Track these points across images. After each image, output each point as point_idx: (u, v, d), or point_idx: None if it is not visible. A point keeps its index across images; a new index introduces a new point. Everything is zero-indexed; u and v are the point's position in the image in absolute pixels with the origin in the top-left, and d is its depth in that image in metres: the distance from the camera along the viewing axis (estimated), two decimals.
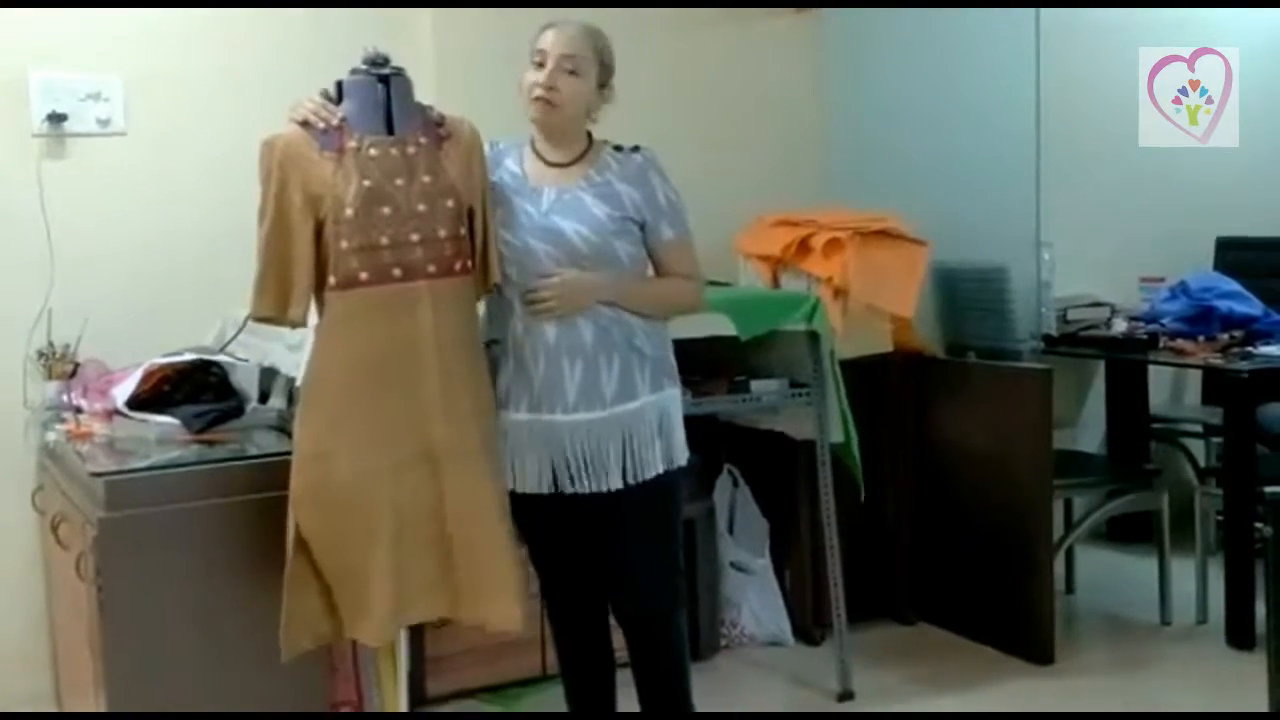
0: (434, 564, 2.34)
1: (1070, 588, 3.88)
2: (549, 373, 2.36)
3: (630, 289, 2.40)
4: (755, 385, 3.18)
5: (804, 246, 3.46)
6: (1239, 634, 3.40)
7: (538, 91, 2.36)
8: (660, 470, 2.41)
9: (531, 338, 2.37)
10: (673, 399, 2.46)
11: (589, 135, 2.46)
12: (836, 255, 3.39)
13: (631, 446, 2.38)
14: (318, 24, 3.31)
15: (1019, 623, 3.40)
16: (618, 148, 2.46)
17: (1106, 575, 4.00)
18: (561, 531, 2.48)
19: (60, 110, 3.11)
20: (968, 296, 3.59)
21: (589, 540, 2.47)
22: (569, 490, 2.40)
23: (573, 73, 2.37)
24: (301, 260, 2.25)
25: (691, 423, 2.53)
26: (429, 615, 2.45)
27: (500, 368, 2.44)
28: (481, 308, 2.47)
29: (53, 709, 3.14)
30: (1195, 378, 4.37)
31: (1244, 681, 3.03)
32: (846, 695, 3.18)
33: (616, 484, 2.38)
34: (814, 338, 3.12)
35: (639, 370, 2.40)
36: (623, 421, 2.37)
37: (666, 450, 2.42)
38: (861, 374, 3.35)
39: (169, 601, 2.41)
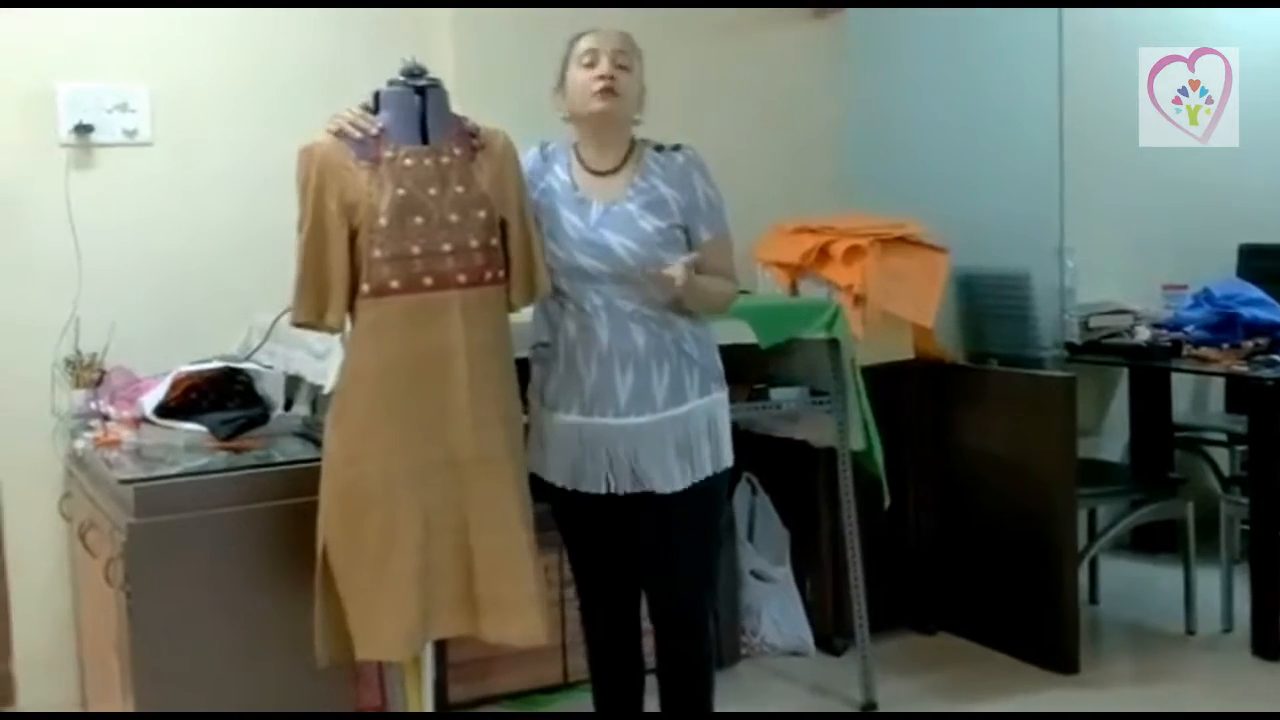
0: (459, 575, 2.35)
1: (1094, 598, 3.85)
2: (601, 376, 2.37)
3: (699, 285, 2.39)
4: (775, 393, 3.18)
5: (824, 254, 3.46)
6: (1265, 643, 3.38)
7: (599, 84, 2.37)
8: (709, 473, 2.43)
9: (584, 341, 2.38)
10: (720, 403, 2.48)
11: (631, 140, 2.47)
12: (857, 262, 3.39)
13: (681, 449, 2.39)
14: (341, 34, 3.34)
15: (1043, 632, 3.39)
16: (659, 147, 2.47)
17: (1131, 585, 3.98)
18: (606, 532, 2.48)
19: (87, 121, 3.14)
20: (990, 303, 3.59)
21: (631, 541, 2.47)
22: (616, 491, 2.41)
23: (624, 68, 2.39)
24: (337, 267, 2.27)
25: None
26: (452, 632, 2.45)
27: (549, 370, 2.45)
28: (528, 312, 2.48)
29: None
30: (1219, 385, 4.34)
31: (1270, 691, 3.02)
32: (869, 705, 3.17)
33: (665, 487, 2.39)
34: (834, 345, 3.12)
35: (688, 375, 2.41)
36: (673, 425, 2.39)
37: (715, 453, 2.44)
38: (882, 381, 3.34)
39: (197, 606, 2.43)
